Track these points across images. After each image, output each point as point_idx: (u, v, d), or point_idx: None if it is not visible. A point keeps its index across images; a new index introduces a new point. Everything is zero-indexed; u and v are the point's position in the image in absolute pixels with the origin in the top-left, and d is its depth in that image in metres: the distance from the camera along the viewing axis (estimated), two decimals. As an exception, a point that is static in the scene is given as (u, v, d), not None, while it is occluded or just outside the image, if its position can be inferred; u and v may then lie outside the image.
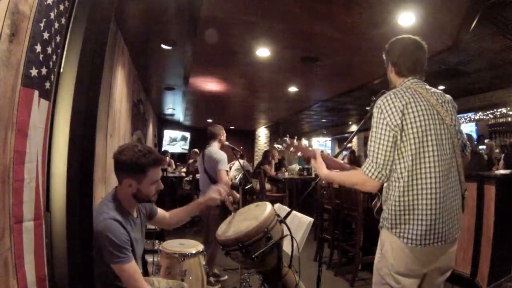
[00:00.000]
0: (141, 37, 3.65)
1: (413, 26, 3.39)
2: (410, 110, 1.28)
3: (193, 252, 2.12)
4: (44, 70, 1.06)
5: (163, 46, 3.89)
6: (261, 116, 10.74)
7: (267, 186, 5.86)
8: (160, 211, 1.80)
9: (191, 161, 7.21)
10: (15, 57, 0.96)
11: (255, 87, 6.57)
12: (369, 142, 1.34)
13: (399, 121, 1.27)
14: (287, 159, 7.97)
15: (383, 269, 1.34)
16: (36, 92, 1.03)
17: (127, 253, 1.37)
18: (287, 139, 1.64)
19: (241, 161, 3.59)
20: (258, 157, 11.90)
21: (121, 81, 3.59)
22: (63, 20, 1.16)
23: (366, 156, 1.39)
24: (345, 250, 3.37)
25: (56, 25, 1.11)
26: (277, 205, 2.08)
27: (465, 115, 8.10)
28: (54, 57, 1.12)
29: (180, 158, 11.27)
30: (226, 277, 3.25)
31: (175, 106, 8.64)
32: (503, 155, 5.67)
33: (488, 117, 7.84)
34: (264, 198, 5.26)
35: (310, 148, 1.62)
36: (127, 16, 3.08)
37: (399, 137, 1.28)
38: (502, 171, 3.60)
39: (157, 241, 2.52)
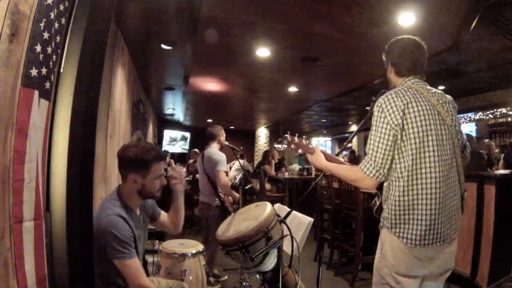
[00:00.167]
0: (141, 37, 3.65)
1: (413, 26, 3.39)
2: (411, 110, 1.29)
3: (193, 252, 2.12)
4: (44, 70, 1.06)
5: (163, 46, 3.89)
6: (261, 116, 10.74)
7: (267, 186, 5.86)
8: (164, 214, 1.79)
9: (191, 161, 7.21)
10: (15, 57, 0.96)
11: (255, 87, 6.57)
12: (368, 141, 1.34)
13: (399, 120, 1.27)
14: (287, 159, 7.98)
15: (383, 269, 1.34)
16: (36, 92, 1.03)
17: (131, 249, 1.38)
18: (288, 136, 1.64)
19: (241, 161, 3.59)
20: (258, 157, 11.90)
21: (121, 81, 3.59)
22: (63, 20, 1.16)
23: (365, 155, 1.39)
24: (345, 250, 3.37)
25: (56, 25, 1.11)
26: (277, 205, 2.08)
27: (465, 115, 8.10)
28: (54, 57, 1.12)
29: (180, 158, 11.27)
30: (226, 277, 3.25)
31: (175, 106, 8.64)
32: (503, 155, 5.67)
33: (488, 117, 7.84)
34: (264, 198, 5.25)
35: (310, 146, 1.63)
36: (127, 16, 3.08)
37: (399, 137, 1.28)
38: (502, 171, 3.60)
39: (157, 241, 2.52)
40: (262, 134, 13.42)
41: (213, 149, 3.08)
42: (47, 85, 1.10)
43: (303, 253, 1.68)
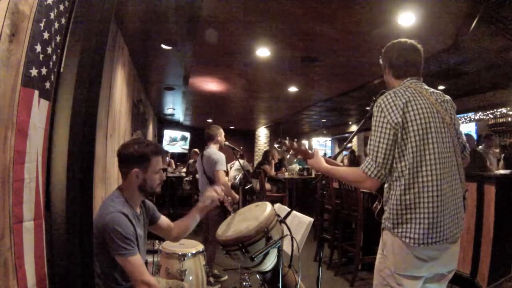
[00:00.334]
0: (141, 37, 3.65)
1: (413, 26, 3.39)
2: (410, 108, 1.29)
3: (193, 252, 2.13)
4: (44, 70, 1.06)
5: (163, 46, 3.89)
6: (261, 116, 10.74)
7: (267, 186, 5.86)
8: (164, 218, 1.76)
9: (191, 161, 7.22)
10: (15, 57, 0.96)
11: (255, 87, 6.57)
12: (369, 141, 1.35)
13: (399, 119, 1.27)
14: (287, 159, 7.97)
15: (384, 270, 1.34)
16: (36, 92, 1.04)
17: (133, 246, 1.39)
18: (286, 142, 1.63)
19: (241, 161, 3.59)
20: (258, 157, 11.90)
21: (121, 81, 3.59)
22: (63, 20, 1.17)
23: (366, 156, 1.40)
24: (345, 250, 3.37)
25: (56, 25, 1.11)
26: (277, 205, 2.08)
27: (465, 115, 8.10)
28: (54, 57, 1.12)
29: (180, 158, 11.27)
30: (226, 277, 3.25)
31: (175, 106, 8.64)
32: (503, 155, 5.67)
33: (488, 117, 7.84)
34: (264, 198, 5.25)
35: (310, 151, 1.62)
36: (127, 16, 3.08)
37: (399, 135, 1.28)
38: (502, 171, 3.60)
39: (157, 241, 2.52)
40: (262, 134, 13.42)
41: (212, 149, 3.08)
42: (47, 85, 1.10)
43: (303, 253, 1.68)
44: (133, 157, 1.48)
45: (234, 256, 1.53)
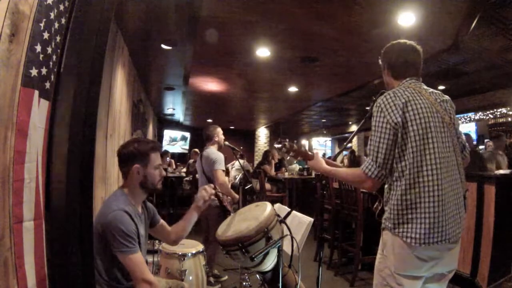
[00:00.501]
0: (141, 37, 3.65)
1: (413, 26, 3.39)
2: (410, 108, 1.29)
3: (193, 252, 2.13)
4: (44, 70, 1.06)
5: (163, 46, 3.89)
6: (261, 116, 10.74)
7: (267, 186, 5.86)
8: (163, 222, 1.79)
9: (191, 161, 7.21)
10: (15, 57, 0.96)
11: (255, 87, 6.57)
12: (369, 141, 1.35)
13: (399, 119, 1.27)
14: (287, 159, 7.97)
15: (384, 270, 1.34)
16: (36, 92, 1.04)
17: (135, 244, 1.41)
18: (286, 143, 1.63)
19: (241, 161, 3.59)
20: (258, 157, 11.90)
21: (121, 81, 3.59)
22: (63, 20, 1.17)
23: (366, 156, 1.40)
24: (345, 250, 3.37)
25: (56, 25, 1.11)
26: (277, 205, 2.08)
27: (465, 115, 8.10)
28: (54, 57, 1.12)
29: (180, 158, 11.27)
30: (226, 277, 3.25)
31: (175, 106, 8.64)
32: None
33: (488, 117, 7.84)
34: (264, 198, 5.25)
35: (310, 153, 1.62)
36: (127, 16, 3.08)
37: (399, 135, 1.28)
38: (502, 171, 3.60)
39: (157, 241, 2.52)
40: (262, 134, 13.42)
41: (211, 149, 3.08)
42: (47, 85, 1.10)
43: (303, 253, 1.68)
44: (133, 155, 1.52)
45: (234, 256, 1.53)
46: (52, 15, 1.08)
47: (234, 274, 3.28)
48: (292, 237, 1.56)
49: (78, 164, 1.17)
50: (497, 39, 3.99)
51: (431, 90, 1.42)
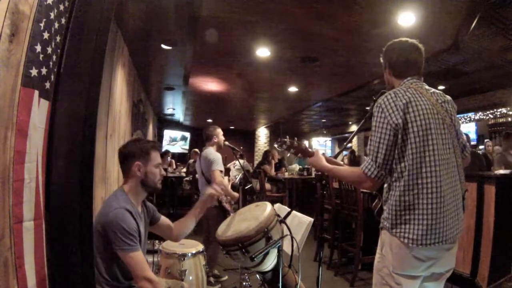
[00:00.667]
0: (141, 37, 3.65)
1: (413, 26, 3.39)
2: (411, 109, 1.28)
3: (193, 252, 2.13)
4: (44, 70, 1.06)
5: (163, 46, 3.89)
6: (261, 116, 10.74)
7: (267, 186, 5.86)
8: (164, 219, 1.79)
9: (191, 161, 7.21)
10: (15, 57, 0.96)
11: (255, 87, 6.57)
12: (369, 141, 1.35)
13: (400, 120, 1.27)
14: (287, 159, 7.97)
15: (383, 270, 1.34)
16: (36, 92, 1.04)
17: (136, 242, 1.42)
18: (287, 140, 1.63)
19: (241, 161, 3.59)
20: (258, 157, 11.90)
21: (121, 81, 3.59)
22: (63, 20, 1.17)
23: (366, 156, 1.40)
24: (345, 250, 3.37)
25: (56, 25, 1.11)
26: (277, 205, 2.08)
27: (465, 115, 8.10)
28: (54, 57, 1.12)
29: (180, 158, 11.27)
30: (226, 277, 3.25)
31: (175, 106, 8.64)
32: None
33: (488, 117, 7.84)
34: (264, 198, 5.25)
35: (310, 150, 1.62)
36: (127, 16, 3.08)
37: (400, 136, 1.28)
38: (502, 171, 3.60)
39: (157, 241, 2.52)
40: (262, 134, 13.42)
41: (209, 150, 3.08)
42: (47, 85, 1.10)
43: (303, 253, 1.68)
44: (134, 152, 1.55)
45: (234, 256, 1.53)
46: (52, 15, 1.08)
47: (234, 274, 3.28)
48: (292, 237, 1.56)
49: (78, 164, 1.18)
50: (497, 39, 3.99)
51: (432, 90, 1.41)
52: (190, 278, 2.06)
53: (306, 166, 6.68)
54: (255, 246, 1.47)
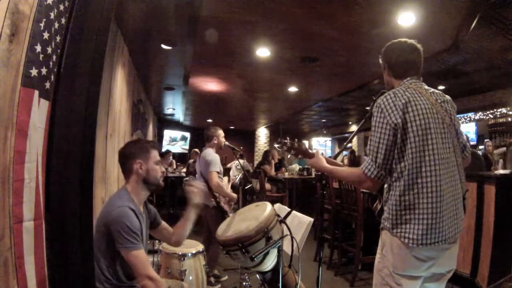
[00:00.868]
0: (141, 37, 3.65)
1: (413, 26, 3.39)
2: (410, 109, 1.28)
3: (193, 252, 2.13)
4: (44, 70, 1.06)
5: (163, 46, 3.89)
6: (261, 116, 10.74)
7: (267, 186, 5.86)
8: (164, 224, 1.82)
9: (191, 161, 7.21)
10: (15, 57, 0.96)
11: (255, 87, 6.57)
12: (369, 142, 1.35)
13: (399, 120, 1.27)
14: (287, 159, 7.97)
15: (383, 270, 1.34)
16: (36, 92, 1.04)
17: (138, 240, 1.42)
18: (287, 142, 1.63)
19: (241, 161, 3.59)
20: (258, 157, 11.90)
21: (121, 81, 3.59)
22: (63, 20, 1.17)
23: (366, 156, 1.40)
24: (345, 250, 3.37)
25: (56, 25, 1.11)
26: (277, 205, 2.08)
27: (465, 115, 8.10)
28: (54, 57, 1.12)
29: (180, 158, 11.27)
30: (226, 277, 3.25)
31: (175, 106, 8.64)
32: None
33: (488, 117, 7.84)
34: (264, 198, 5.25)
35: (310, 151, 1.62)
36: (127, 16, 3.07)
37: (399, 136, 1.28)
38: (502, 171, 3.60)
39: (157, 241, 2.52)
40: (262, 134, 13.42)
41: (208, 151, 3.08)
42: (47, 85, 1.10)
43: (303, 253, 1.68)
44: (133, 152, 1.58)
45: (234, 256, 1.53)
46: (52, 15, 1.08)
47: (234, 274, 3.28)
48: (292, 237, 1.56)
49: (78, 164, 1.18)
50: (497, 39, 3.98)
51: (432, 90, 1.41)
52: (190, 278, 2.06)
53: (306, 166, 6.68)
54: (255, 246, 1.46)
